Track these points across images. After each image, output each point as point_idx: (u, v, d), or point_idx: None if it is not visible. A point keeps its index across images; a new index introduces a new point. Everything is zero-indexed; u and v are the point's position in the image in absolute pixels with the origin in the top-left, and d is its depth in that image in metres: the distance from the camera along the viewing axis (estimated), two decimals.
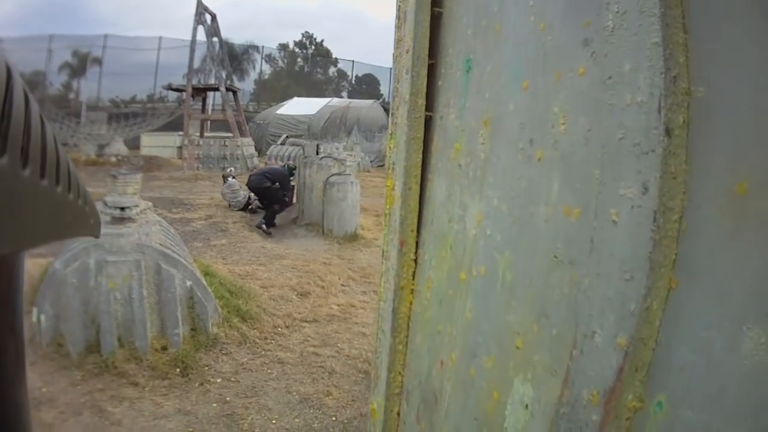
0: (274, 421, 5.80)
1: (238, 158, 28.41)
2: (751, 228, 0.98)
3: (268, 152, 28.04)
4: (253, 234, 13.96)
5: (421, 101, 2.22)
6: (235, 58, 52.40)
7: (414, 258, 2.29)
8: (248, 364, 6.85)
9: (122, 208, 7.17)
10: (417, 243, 2.28)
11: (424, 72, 2.22)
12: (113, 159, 30.34)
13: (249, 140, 30.64)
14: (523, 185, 1.64)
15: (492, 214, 1.81)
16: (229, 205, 16.68)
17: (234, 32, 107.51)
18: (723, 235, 1.03)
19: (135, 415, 5.82)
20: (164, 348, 6.81)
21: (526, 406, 1.53)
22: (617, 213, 1.22)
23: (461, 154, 2.00)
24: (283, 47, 68.01)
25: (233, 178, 17.13)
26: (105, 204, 7.26)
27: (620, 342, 1.18)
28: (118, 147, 34.08)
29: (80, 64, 52.46)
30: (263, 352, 7.19)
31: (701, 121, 1.07)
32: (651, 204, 1.13)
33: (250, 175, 15.07)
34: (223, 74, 30.52)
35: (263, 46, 61.59)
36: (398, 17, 2.42)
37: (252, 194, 16.24)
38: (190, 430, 5.64)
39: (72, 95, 52.48)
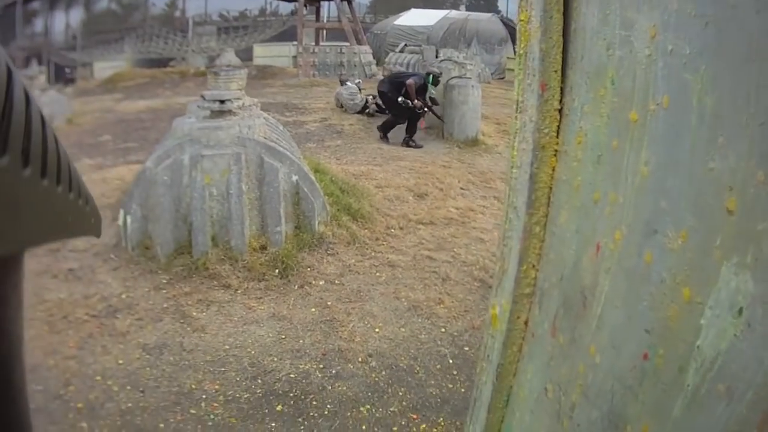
0: (377, 330, 5.52)
1: (355, 65, 28.49)
2: None
3: (386, 60, 27.84)
4: (369, 136, 13.69)
5: None
6: None
7: (559, 108, 1.72)
8: (355, 266, 6.54)
9: (222, 101, 6.80)
10: (562, 89, 1.72)
11: None
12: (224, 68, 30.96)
13: (366, 48, 30.69)
14: None
15: (672, 22, 1.24)
16: (342, 107, 16.38)
17: None
18: None
19: (222, 320, 5.61)
20: (263, 247, 6.51)
21: (740, 311, 1.00)
22: None
23: None
24: None
25: (355, 84, 16.84)
26: (203, 98, 6.99)
27: None
28: (229, 58, 34.99)
29: None
30: (373, 254, 6.87)
31: None
32: None
33: (383, 80, 14.20)
34: None
35: None
36: None
37: (370, 98, 15.94)
38: (283, 337, 5.40)
39: (177, 13, 54.24)
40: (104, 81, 30.47)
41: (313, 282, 6.12)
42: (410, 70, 21.00)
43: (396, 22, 41.12)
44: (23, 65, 36.70)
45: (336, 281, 6.16)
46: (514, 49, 36.10)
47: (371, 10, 55.47)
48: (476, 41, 36.71)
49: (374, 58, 30.80)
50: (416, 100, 12.80)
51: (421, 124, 13.22)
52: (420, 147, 12.55)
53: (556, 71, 1.67)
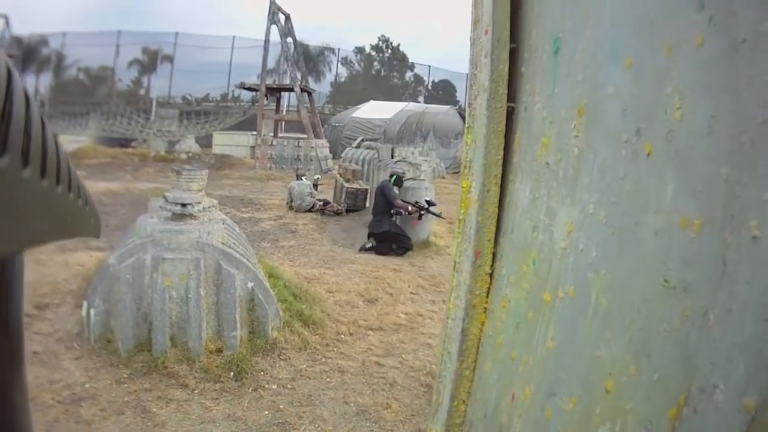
0: None
1: (311, 159, 28.91)
2: None
3: (342, 155, 28.31)
4: (323, 237, 13.91)
5: (503, 89, 2.05)
6: (310, 59, 53.75)
7: (490, 272, 2.10)
8: (307, 371, 6.70)
9: (183, 205, 7.07)
10: (494, 255, 2.08)
11: (506, 56, 2.05)
12: (183, 156, 31.21)
13: (323, 142, 31.23)
14: (627, 188, 1.42)
15: (586, 224, 1.58)
16: (291, 204, 16.80)
17: (309, 34, 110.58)
18: None
19: (181, 417, 5.72)
20: (219, 350, 6.69)
21: None
22: (758, 225, 0.97)
23: (549, 151, 1.82)
24: (360, 50, 68.89)
25: (315, 186, 17.39)
26: (165, 199, 7.21)
27: (747, 403, 0.94)
28: (189, 144, 35.36)
29: (150, 61, 55.15)
30: (324, 360, 7.05)
31: None
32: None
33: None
34: (298, 75, 31.19)
35: (339, 49, 62.91)
36: None
37: (319, 204, 16.47)
38: None
39: (142, 91, 54.26)
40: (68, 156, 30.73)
41: (266, 385, 6.25)
42: (365, 167, 21.30)
43: (354, 115, 41.73)
44: None
45: (288, 385, 6.29)
46: None
47: (330, 101, 56.09)
48: (433, 135, 37.48)
49: (331, 152, 31.31)
50: (410, 206, 13.03)
51: (414, 223, 13.38)
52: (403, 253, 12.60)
53: (489, 240, 2.04)
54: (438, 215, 13.58)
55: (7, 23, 47.71)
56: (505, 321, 1.92)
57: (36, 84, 51.21)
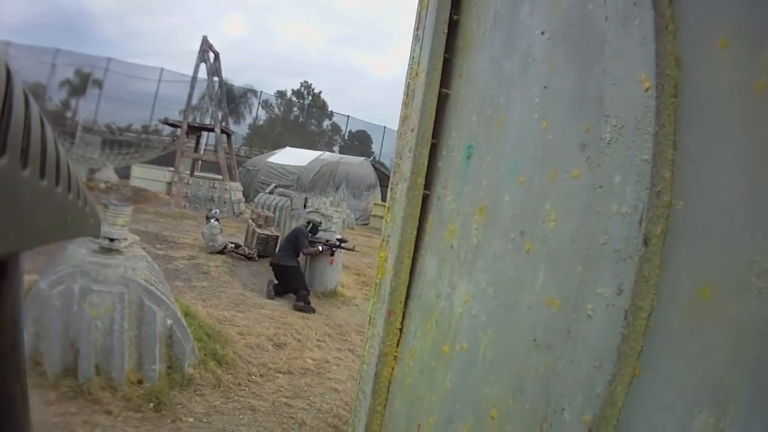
0: None
1: (225, 201, 28.44)
2: (709, 329, 1.10)
3: (255, 199, 28.01)
4: (234, 280, 13.96)
5: (421, 180, 2.34)
6: (232, 99, 52.61)
7: (400, 327, 2.39)
8: (221, 407, 6.89)
9: (111, 240, 7.30)
10: (404, 314, 2.38)
11: (426, 152, 2.34)
12: (102, 185, 30.24)
13: (238, 185, 30.72)
14: (511, 273, 1.79)
15: (479, 296, 1.95)
16: (207, 245, 16.79)
17: (234, 74, 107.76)
18: (684, 333, 1.16)
19: None
20: (140, 381, 6.86)
21: None
22: (593, 309, 1.38)
23: (454, 236, 2.14)
24: (281, 94, 68.38)
25: (216, 220, 17.20)
26: None
27: (585, 419, 1.32)
28: (109, 174, 34.17)
29: (81, 84, 52.61)
30: (236, 398, 7.24)
31: (678, 232, 1.20)
32: (623, 303, 1.27)
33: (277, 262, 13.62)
34: (220, 115, 30.60)
35: (261, 92, 61.93)
36: (406, 94, 2.54)
37: (230, 243, 16.61)
38: None
39: (69, 114, 52.33)
40: None
41: (184, 418, 6.44)
42: (277, 214, 21.30)
43: (269, 160, 40.83)
44: None
45: (204, 419, 6.49)
46: (382, 194, 35.42)
47: (247, 143, 55.05)
48: (345, 185, 36.82)
49: (244, 195, 30.90)
50: (320, 246, 13.33)
51: (332, 261, 13.60)
52: (313, 311, 12.33)
53: (400, 302, 2.41)
54: (351, 249, 14.08)
55: None
56: (411, 367, 2.24)
57: None
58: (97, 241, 7.27)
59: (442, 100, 2.39)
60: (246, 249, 16.56)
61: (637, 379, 1.25)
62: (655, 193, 1.22)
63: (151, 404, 6.59)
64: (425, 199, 2.40)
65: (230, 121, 36.44)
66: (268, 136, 57.23)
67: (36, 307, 6.86)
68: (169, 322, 7.30)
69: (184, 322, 7.70)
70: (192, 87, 29.82)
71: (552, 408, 1.47)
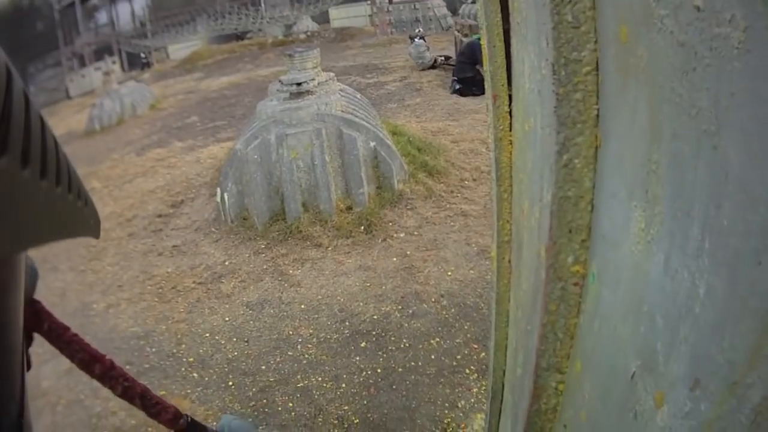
0: (449, 273, 5.95)
1: (430, 19, 28.30)
2: (631, 85, 0.89)
3: (460, 11, 27.57)
4: (447, 91, 13.90)
5: None
6: None
7: (508, 110, 2.24)
8: (432, 217, 7.00)
9: (299, 84, 7.43)
10: (510, 97, 2.23)
11: None
12: (302, 36, 31.04)
13: (440, 0, 30.26)
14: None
15: (535, 68, 1.77)
16: (417, 64, 16.66)
17: None
18: (618, 92, 0.95)
19: (315, 274, 6.18)
20: (349, 208, 7.12)
21: None
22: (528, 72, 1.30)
23: (518, 13, 1.94)
24: None
25: (421, 38, 17.07)
26: (281, 83, 7.58)
27: (546, 200, 1.16)
28: (307, 24, 34.97)
29: None
30: (448, 206, 7.31)
31: None
32: (549, 56, 1.07)
33: (456, 63, 14.36)
34: None
35: None
36: None
37: (439, 57, 16.41)
38: (368, 284, 5.93)
39: None
40: (182, 61, 30.71)
41: (395, 235, 6.64)
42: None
43: None
44: (94, 59, 36.47)
45: (415, 233, 6.64)
46: None
47: None
48: None
49: (449, 9, 30.46)
50: None
51: None
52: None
53: (502, 85, 2.26)
54: None
55: None
56: (515, 149, 2.18)
57: (131, 8, 50.24)
58: (286, 89, 7.47)
59: None
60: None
61: (602, 151, 1.03)
62: None
63: (362, 227, 6.84)
64: None
65: None
66: None
67: (235, 168, 7.24)
68: (371, 144, 7.39)
69: (389, 141, 7.77)
70: None
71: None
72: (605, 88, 0.99)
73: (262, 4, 40.33)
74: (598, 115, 1.02)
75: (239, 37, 36.62)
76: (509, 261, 2.33)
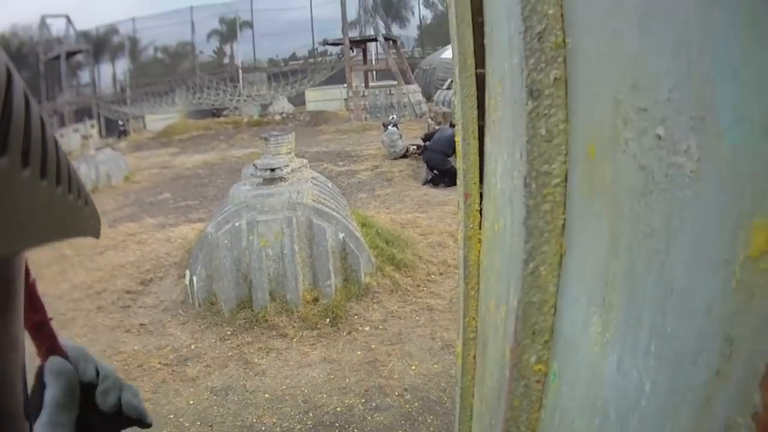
0: (414, 367, 5.97)
1: (405, 105, 28.68)
2: (597, 200, 0.96)
3: (435, 97, 28.05)
4: (418, 182, 14.19)
5: (470, 60, 2.20)
6: (390, 6, 52.22)
7: (479, 209, 2.31)
8: (398, 311, 7.04)
9: (272, 169, 7.54)
10: (481, 195, 2.29)
11: (469, 32, 2.18)
12: (278, 117, 31.48)
13: (415, 87, 30.81)
14: None
15: (507, 168, 1.84)
16: (388, 152, 17.01)
17: None
18: (584, 204, 1.02)
19: (280, 365, 6.18)
20: (315, 299, 7.13)
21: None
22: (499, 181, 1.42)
23: (493, 110, 2.01)
24: None
25: (394, 126, 17.35)
26: (255, 167, 7.71)
27: (513, 305, 1.22)
28: (282, 105, 35.47)
29: (229, 30, 53.32)
30: (414, 300, 7.35)
31: (576, 75, 1.04)
32: (523, 169, 1.13)
33: (426, 151, 14.52)
34: (380, 24, 30.78)
35: None
36: None
37: (411, 146, 16.67)
38: (332, 376, 5.92)
39: (226, 60, 53.48)
40: (158, 134, 31.08)
41: (360, 328, 6.66)
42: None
43: (443, 56, 40.50)
44: (73, 119, 36.71)
45: (380, 326, 6.67)
46: None
47: (419, 44, 54.80)
48: None
49: (424, 95, 30.94)
50: None
51: None
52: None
53: (474, 183, 2.34)
54: None
55: (69, 21, 46.38)
56: (484, 248, 2.23)
57: (113, 71, 50.34)
58: (259, 174, 7.59)
59: None
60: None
61: (567, 259, 1.10)
62: (534, 35, 1.06)
63: (328, 320, 6.86)
64: (484, 78, 2.25)
65: (395, 26, 36.34)
66: (439, 33, 56.41)
67: (205, 252, 7.29)
68: (341, 236, 7.48)
69: (358, 234, 7.86)
70: (343, 4, 30.13)
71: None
72: (572, 200, 1.06)
73: (240, 81, 40.69)
74: (564, 225, 1.09)
75: (215, 113, 37.10)
76: (474, 357, 2.39)
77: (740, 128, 0.60)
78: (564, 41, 1.04)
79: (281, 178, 7.59)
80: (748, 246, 0.58)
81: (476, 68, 2.21)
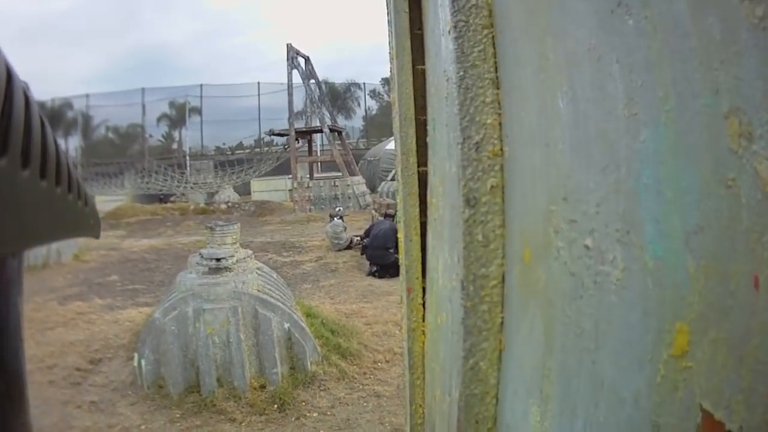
0: None
1: (349, 197, 28.79)
2: (532, 301, 1.04)
3: (379, 189, 28.29)
4: (362, 273, 14.30)
5: (413, 159, 2.31)
6: (337, 97, 53.04)
7: (422, 302, 2.39)
8: (345, 398, 7.06)
9: (218, 259, 7.62)
10: (424, 289, 2.38)
11: (412, 131, 2.28)
12: (223, 206, 31.29)
13: (359, 178, 30.97)
14: None
15: (448, 266, 1.95)
16: (333, 244, 17.12)
17: (332, 72, 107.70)
18: (520, 305, 1.09)
19: None
20: (263, 386, 7.15)
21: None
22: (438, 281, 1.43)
23: (434, 208, 2.14)
24: (386, 81, 67.74)
25: (340, 218, 17.53)
26: (201, 256, 7.77)
27: (456, 397, 1.29)
28: (228, 194, 35.43)
29: (179, 115, 53.58)
30: (361, 387, 7.40)
31: (513, 183, 1.12)
32: (460, 273, 1.21)
33: (367, 249, 14.79)
34: (326, 115, 30.99)
35: (365, 83, 60.36)
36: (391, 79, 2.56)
37: (355, 237, 16.86)
38: None
39: (174, 145, 53.09)
40: (106, 214, 30.59)
41: (308, 414, 6.66)
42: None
43: (388, 147, 40.58)
44: None
45: (328, 412, 6.68)
46: None
47: (364, 135, 54.83)
48: None
49: (369, 186, 31.06)
50: None
51: None
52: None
53: (417, 278, 2.43)
54: None
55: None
56: (428, 340, 2.25)
57: (66, 146, 49.40)
58: (205, 263, 7.65)
59: (420, 76, 2.36)
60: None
61: (506, 354, 1.18)
62: (472, 145, 1.15)
63: (275, 406, 6.86)
64: (426, 176, 2.37)
65: (341, 117, 36.49)
66: (384, 124, 56.52)
67: (153, 336, 7.30)
68: (286, 325, 7.55)
69: (303, 323, 7.93)
70: (289, 95, 30.29)
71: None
72: (509, 299, 1.13)
73: (188, 168, 40.44)
74: (502, 323, 1.16)
75: (162, 199, 36.76)
76: None
77: (662, 242, 0.68)
78: (501, 150, 1.15)
79: (227, 268, 7.64)
80: (671, 346, 0.66)
81: (418, 167, 2.37)
